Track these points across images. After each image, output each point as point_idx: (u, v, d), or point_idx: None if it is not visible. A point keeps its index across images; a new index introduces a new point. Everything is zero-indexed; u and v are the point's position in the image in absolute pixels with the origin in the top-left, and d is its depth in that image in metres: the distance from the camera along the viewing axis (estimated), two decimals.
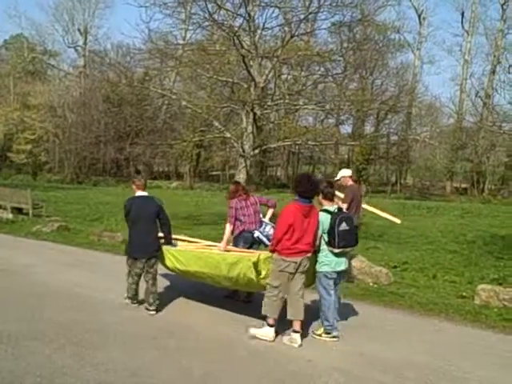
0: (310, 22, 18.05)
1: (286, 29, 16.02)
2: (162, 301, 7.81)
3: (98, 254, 12.37)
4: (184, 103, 16.90)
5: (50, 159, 48.80)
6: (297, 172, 50.19)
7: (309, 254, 6.60)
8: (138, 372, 5.32)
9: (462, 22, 53.64)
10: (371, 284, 10.06)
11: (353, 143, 22.64)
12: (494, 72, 48.37)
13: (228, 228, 8.12)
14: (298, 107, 18.33)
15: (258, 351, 6.10)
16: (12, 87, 50.14)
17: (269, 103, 15.68)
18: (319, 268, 6.75)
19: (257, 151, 16.18)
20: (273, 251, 6.62)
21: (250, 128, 15.35)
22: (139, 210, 7.71)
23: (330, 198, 6.90)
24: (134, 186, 7.94)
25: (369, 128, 46.90)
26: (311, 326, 7.00)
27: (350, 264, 9.97)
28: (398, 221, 11.40)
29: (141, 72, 35.13)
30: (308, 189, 6.63)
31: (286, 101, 15.98)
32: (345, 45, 18.07)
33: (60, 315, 7.16)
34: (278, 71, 16.80)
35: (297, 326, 6.51)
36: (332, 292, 6.74)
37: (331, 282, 6.73)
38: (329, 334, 6.70)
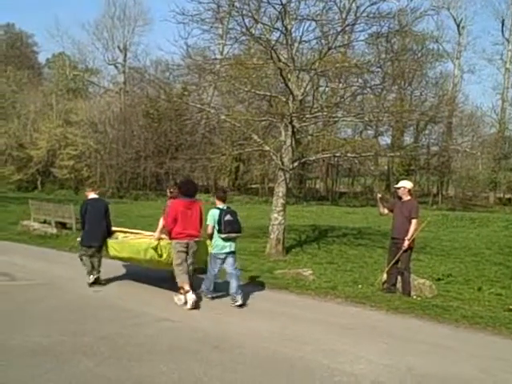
0: (347, 34, 18.00)
1: (323, 41, 15.99)
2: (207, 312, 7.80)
3: (137, 268, 12.45)
4: (223, 117, 16.96)
5: (92, 174, 49.57)
6: (336, 184, 50.01)
7: (196, 238, 9.02)
8: None
9: (502, 31, 52.88)
10: (415, 297, 9.92)
11: (393, 154, 22.43)
12: None
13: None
14: (336, 119, 18.23)
15: (302, 365, 6.06)
16: (55, 104, 51.21)
17: (307, 116, 15.63)
18: (211, 250, 9.18)
19: (296, 164, 16.12)
20: (170, 239, 9.02)
21: (288, 141, 15.31)
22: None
23: (221, 198, 9.35)
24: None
25: (408, 139, 46.44)
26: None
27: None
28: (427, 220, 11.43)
29: (179, 87, 35.57)
30: (189, 189, 9.28)
31: (325, 113, 15.90)
32: (383, 56, 17.92)
33: (103, 328, 7.25)
34: (316, 84, 16.74)
35: (186, 286, 8.70)
36: (216, 269, 9.19)
37: (218, 261, 9.12)
38: (233, 299, 8.94)
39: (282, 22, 14.49)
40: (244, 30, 14.76)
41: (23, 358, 5.91)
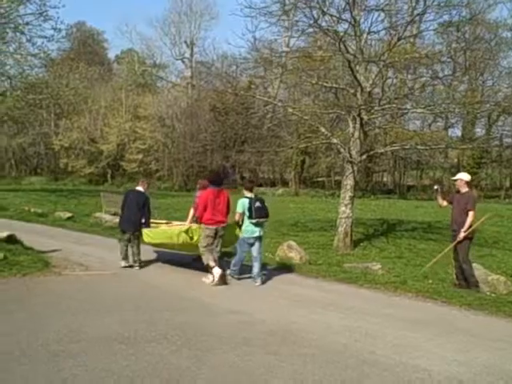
0: (416, 24, 17.59)
1: (393, 32, 15.68)
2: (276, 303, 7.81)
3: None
4: (290, 110, 16.91)
5: (160, 168, 50.40)
6: (404, 177, 49.05)
7: (223, 224, 10.07)
8: (251, 376, 5.38)
9: None
10: (488, 293, 9.64)
11: (464, 146, 21.76)
12: None
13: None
14: (405, 111, 17.89)
15: (373, 360, 5.99)
16: (124, 99, 52.27)
17: (376, 108, 15.37)
18: (242, 234, 10.16)
19: (364, 157, 15.93)
20: (201, 223, 10.10)
21: (356, 133, 15.12)
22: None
23: (248, 188, 10.40)
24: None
25: (480, 131, 45.01)
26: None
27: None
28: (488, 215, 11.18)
29: (246, 81, 35.73)
30: (217, 179, 10.48)
31: (394, 105, 15.59)
32: (453, 45, 17.47)
33: (174, 318, 7.39)
34: (385, 75, 16.45)
35: (211, 263, 9.75)
36: (244, 253, 10.22)
37: (247, 245, 10.12)
38: (233, 277, 10.18)
39: (351, 12, 14.30)
40: (311, 21, 14.67)
41: (101, 346, 6.08)
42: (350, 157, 15.11)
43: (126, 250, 11.33)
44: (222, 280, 9.81)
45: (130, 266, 11.28)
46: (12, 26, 29.09)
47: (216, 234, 10.02)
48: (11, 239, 12.00)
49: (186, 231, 10.46)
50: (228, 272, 10.28)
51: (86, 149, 51.16)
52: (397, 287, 10.11)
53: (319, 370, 5.59)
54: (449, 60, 17.07)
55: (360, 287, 10.24)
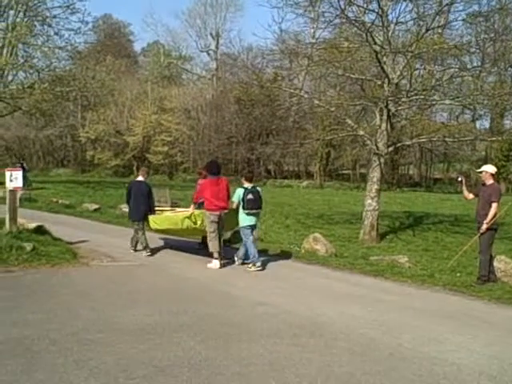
0: (444, 14, 17.34)
1: (421, 22, 15.49)
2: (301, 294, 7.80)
3: (234, 252, 12.65)
4: (317, 102, 16.82)
5: (185, 160, 50.53)
6: (431, 170, 48.55)
7: (226, 210, 10.70)
8: (277, 367, 5.37)
9: None
10: None
11: (494, 138, 21.42)
12: None
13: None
14: (433, 103, 17.67)
15: (400, 353, 5.95)
16: (150, 92, 52.46)
17: (403, 99, 15.22)
18: (240, 224, 10.80)
19: (391, 149, 15.80)
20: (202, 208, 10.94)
21: (383, 125, 14.98)
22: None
23: (248, 178, 11.04)
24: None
25: (508, 123, 44.29)
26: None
27: (492, 265, 9.64)
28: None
29: (271, 73, 35.58)
30: (214, 169, 11.10)
31: (421, 96, 15.42)
32: (482, 36, 17.18)
33: (201, 309, 7.44)
34: (412, 66, 16.26)
35: (215, 254, 10.63)
36: (250, 237, 10.69)
37: (248, 232, 10.71)
38: (254, 265, 10.57)
39: (378, 3, 14.16)
40: (338, 12, 14.55)
41: (130, 335, 6.15)
42: (377, 149, 15.00)
43: (145, 237, 12.01)
44: (224, 265, 10.85)
45: (135, 250, 12.15)
46: (40, 19, 29.42)
47: (219, 219, 10.70)
48: (40, 230, 12.14)
49: (190, 217, 11.16)
50: (237, 262, 11.07)
51: (112, 141, 51.52)
52: (424, 280, 10.04)
53: (347, 362, 5.58)
54: (477, 51, 16.79)
55: (387, 280, 10.18)
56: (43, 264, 9.99)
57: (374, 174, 15.25)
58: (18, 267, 9.64)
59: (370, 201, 15.22)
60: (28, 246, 10.33)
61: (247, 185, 10.87)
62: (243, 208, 10.62)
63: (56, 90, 29.95)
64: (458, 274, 10.56)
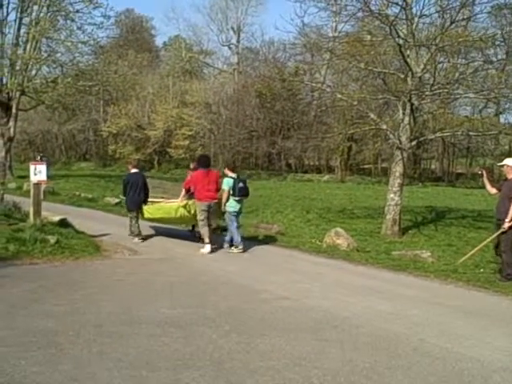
0: (469, 7, 17.12)
1: (445, 15, 15.30)
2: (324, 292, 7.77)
3: (255, 246, 12.67)
4: (339, 96, 16.71)
5: (206, 154, 50.52)
6: (453, 165, 48.05)
7: (215, 200, 11.66)
8: (300, 361, 5.36)
9: None
10: None
11: None
12: None
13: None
14: (457, 96, 17.49)
15: (423, 348, 5.90)
16: (171, 86, 52.53)
17: (427, 93, 15.06)
18: (227, 209, 11.72)
19: (414, 143, 15.66)
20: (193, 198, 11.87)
21: (406, 119, 14.84)
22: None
23: (232, 169, 12.17)
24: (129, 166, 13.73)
25: None
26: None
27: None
28: None
29: (292, 67, 35.51)
30: (204, 162, 12.18)
31: (445, 90, 15.24)
32: (507, 29, 16.94)
33: (223, 303, 7.45)
34: (436, 60, 16.07)
35: (206, 239, 11.51)
36: (234, 223, 11.78)
37: (233, 218, 11.77)
38: (237, 247, 11.63)
39: None
40: (361, 5, 14.44)
41: (152, 329, 6.17)
42: (400, 143, 14.87)
43: (138, 226, 12.88)
44: (214, 250, 11.71)
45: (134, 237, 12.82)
46: (63, 13, 29.65)
47: (209, 208, 11.62)
48: (63, 223, 12.27)
49: (185, 206, 12.12)
50: (225, 246, 11.95)
51: (133, 135, 51.72)
52: (447, 275, 9.95)
53: (370, 357, 5.55)
54: (502, 44, 16.56)
55: (409, 275, 10.11)
56: (67, 257, 10.09)
57: (397, 169, 15.13)
58: (42, 260, 9.76)
59: (392, 195, 15.12)
60: (52, 239, 10.44)
61: (233, 174, 11.94)
62: (234, 195, 11.68)
63: (79, 85, 30.23)
64: (482, 270, 10.46)
